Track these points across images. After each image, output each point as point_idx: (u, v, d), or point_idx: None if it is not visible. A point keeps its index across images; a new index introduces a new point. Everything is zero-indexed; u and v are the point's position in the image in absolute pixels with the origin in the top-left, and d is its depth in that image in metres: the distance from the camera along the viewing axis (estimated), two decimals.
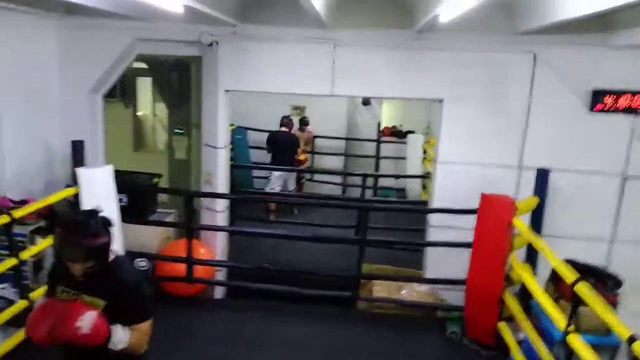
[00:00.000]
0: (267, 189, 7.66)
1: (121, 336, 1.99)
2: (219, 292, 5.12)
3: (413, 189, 8.31)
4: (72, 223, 2.02)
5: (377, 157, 9.27)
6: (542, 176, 4.38)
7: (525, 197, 4.44)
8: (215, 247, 5.06)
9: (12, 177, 4.27)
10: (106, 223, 2.05)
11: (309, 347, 4.23)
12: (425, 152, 8.27)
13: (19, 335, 3.57)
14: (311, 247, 5.80)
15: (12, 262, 3.54)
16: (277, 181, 7.71)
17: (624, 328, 2.45)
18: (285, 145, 7.70)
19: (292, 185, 8.10)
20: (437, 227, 4.80)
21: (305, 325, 4.54)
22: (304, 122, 8.80)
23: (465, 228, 4.42)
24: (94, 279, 2.03)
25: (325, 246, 5.83)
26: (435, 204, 4.82)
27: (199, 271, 4.71)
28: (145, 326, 2.10)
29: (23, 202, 4.04)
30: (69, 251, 1.98)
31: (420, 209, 5.14)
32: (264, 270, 4.98)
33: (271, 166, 7.68)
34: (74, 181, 4.45)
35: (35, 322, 1.98)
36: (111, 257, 2.11)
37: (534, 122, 4.59)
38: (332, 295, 4.74)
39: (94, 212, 2.05)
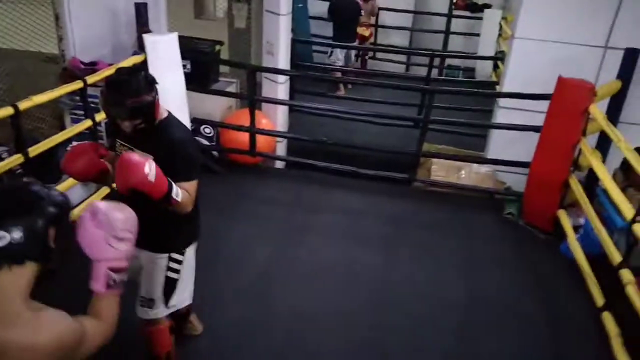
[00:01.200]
0: (329, 61, 7.49)
1: (176, 189, 2.02)
2: (279, 164, 5.28)
3: (483, 69, 7.84)
4: (115, 82, 2.02)
5: (447, 33, 8.68)
6: (630, 56, 3.99)
7: (607, 80, 4.11)
8: (275, 119, 5.11)
9: (81, 41, 4.34)
10: (150, 82, 2.06)
11: (363, 214, 4.40)
12: (501, 29, 7.65)
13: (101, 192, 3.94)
14: (368, 127, 5.73)
15: (87, 123, 3.74)
16: (339, 55, 7.46)
17: None
18: (347, 14, 7.32)
19: (352, 60, 7.86)
20: (506, 109, 4.59)
21: (361, 197, 4.68)
22: None
23: (536, 110, 4.22)
24: (145, 135, 2.08)
25: (383, 127, 5.75)
26: (507, 84, 4.56)
27: (261, 141, 4.82)
28: (190, 186, 2.12)
29: (93, 64, 4.16)
30: (114, 110, 2.03)
31: (492, 93, 4.82)
32: (322, 144, 5.03)
33: (332, 42, 7.41)
34: (139, 46, 4.50)
35: (73, 156, 2.12)
36: (163, 114, 2.15)
37: None
38: (389, 176, 4.78)
39: (136, 71, 2.06)
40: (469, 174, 4.68)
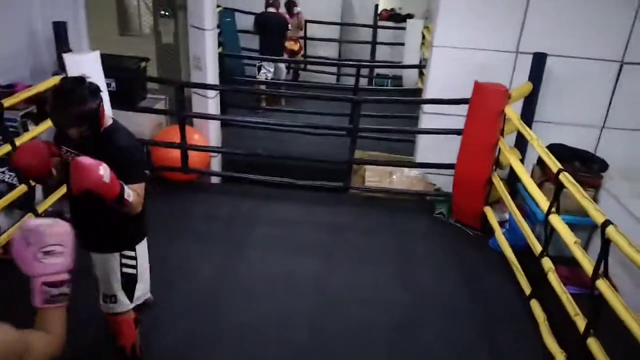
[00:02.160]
0: (258, 77, 7.41)
1: (127, 190, 2.10)
2: (214, 179, 5.23)
3: (410, 77, 8.15)
4: (60, 91, 2.08)
5: (374, 43, 8.97)
6: (539, 60, 4.29)
7: (520, 83, 4.40)
8: (208, 134, 5.07)
9: None
10: (94, 90, 2.11)
11: (302, 225, 4.45)
12: (424, 37, 7.99)
13: (24, 218, 3.73)
14: (304, 138, 5.80)
15: (6, 148, 3.56)
16: (267, 68, 7.41)
17: (599, 213, 2.56)
18: (273, 28, 7.33)
19: (283, 74, 7.87)
20: (430, 114, 4.80)
21: (298, 208, 4.73)
22: (291, 4, 8.29)
23: (458, 115, 4.44)
24: (91, 142, 2.15)
25: (319, 137, 5.85)
26: (430, 90, 4.78)
27: (194, 158, 4.76)
28: (138, 188, 2.20)
29: (10, 87, 3.98)
30: (59, 118, 2.08)
31: (413, 100, 5.03)
32: (257, 156, 5.04)
33: (262, 56, 7.37)
34: (60, 66, 4.35)
35: (26, 151, 2.19)
36: (108, 122, 2.23)
37: (534, 5, 4.41)
38: (324, 185, 4.87)
39: (80, 80, 2.10)
40: (401, 178, 4.85)
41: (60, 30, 4.35)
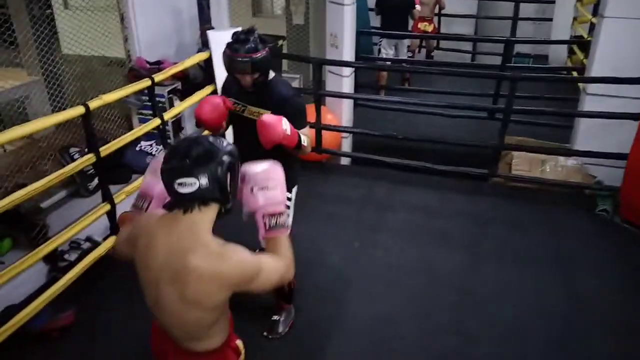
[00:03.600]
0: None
1: (303, 136, 2.31)
2: (344, 160, 5.07)
3: (557, 55, 7.31)
4: (238, 41, 2.25)
5: (515, 19, 8.16)
6: None
7: None
8: (340, 114, 4.91)
9: (146, 40, 4.31)
10: (263, 39, 2.30)
11: (438, 212, 4.12)
12: (576, 11, 7.11)
13: None
14: (437, 120, 5.40)
15: (156, 122, 3.67)
16: (386, 49, 6.72)
17: None
18: (395, 5, 6.63)
19: (403, 54, 7.29)
20: (596, 96, 4.17)
21: (434, 194, 4.38)
22: None
23: (630, 97, 3.81)
24: (257, 93, 2.36)
25: (451, 120, 5.38)
26: (596, 69, 4.15)
27: (326, 138, 4.62)
28: (308, 131, 2.43)
29: (158, 63, 4.11)
30: (237, 65, 2.25)
31: (589, 78, 4.31)
32: (392, 138, 4.77)
33: (399, 32, 6.63)
34: (203, 44, 4.43)
35: (207, 105, 2.36)
36: (270, 75, 2.38)
37: None
38: (468, 172, 4.42)
39: (251, 30, 2.29)
40: (554, 168, 4.29)
41: (204, 8, 4.43)
